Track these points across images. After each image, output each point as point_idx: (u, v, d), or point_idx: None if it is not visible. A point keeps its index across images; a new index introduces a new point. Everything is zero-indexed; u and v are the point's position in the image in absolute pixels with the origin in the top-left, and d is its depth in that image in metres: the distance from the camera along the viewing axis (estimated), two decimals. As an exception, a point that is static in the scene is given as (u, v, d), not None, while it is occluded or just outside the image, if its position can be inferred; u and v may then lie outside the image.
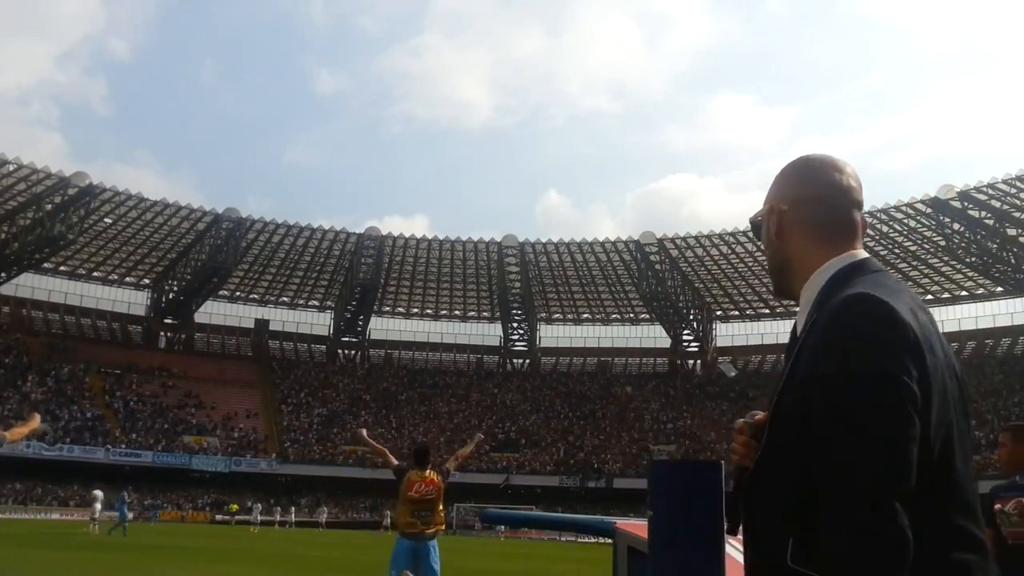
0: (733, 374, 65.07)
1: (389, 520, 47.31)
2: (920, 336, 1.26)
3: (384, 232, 63.04)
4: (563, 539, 41.43)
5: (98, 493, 33.71)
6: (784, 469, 1.32)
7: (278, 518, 46.93)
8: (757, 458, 1.40)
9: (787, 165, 1.58)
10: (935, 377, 1.26)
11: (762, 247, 1.63)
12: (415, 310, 71.13)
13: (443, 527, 7.99)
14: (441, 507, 7.83)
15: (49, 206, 53.61)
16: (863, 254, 1.46)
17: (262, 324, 68.45)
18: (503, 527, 44.12)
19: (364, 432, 9.03)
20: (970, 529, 1.28)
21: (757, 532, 1.40)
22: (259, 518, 42.04)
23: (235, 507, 46.81)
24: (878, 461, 1.17)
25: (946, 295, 60.93)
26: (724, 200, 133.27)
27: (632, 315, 69.30)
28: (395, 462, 8.08)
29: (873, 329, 1.24)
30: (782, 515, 1.31)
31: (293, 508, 48.07)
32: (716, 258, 62.09)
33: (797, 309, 1.51)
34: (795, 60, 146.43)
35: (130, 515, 32.95)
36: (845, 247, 1.46)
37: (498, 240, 63.01)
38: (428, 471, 7.82)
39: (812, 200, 1.49)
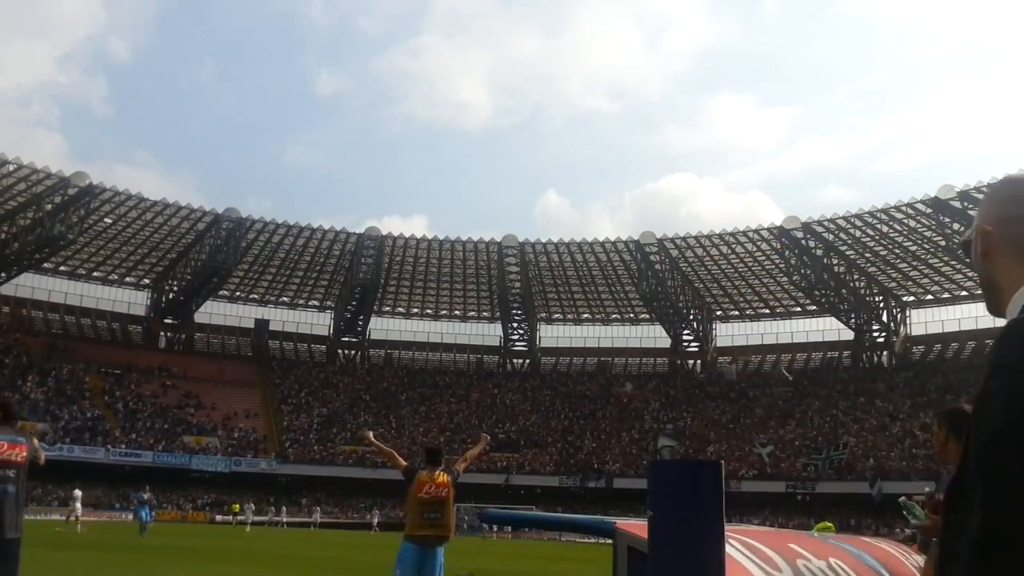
0: (733, 377, 65.08)
1: (376, 520, 47.29)
2: None
3: (383, 232, 63.08)
4: (563, 539, 41.42)
5: (77, 492, 33.33)
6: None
7: (269, 518, 46.70)
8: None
9: (995, 184, 1.53)
10: None
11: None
12: (415, 310, 71.13)
13: (452, 534, 7.68)
14: (452, 509, 7.61)
15: (49, 206, 53.61)
16: None
17: (262, 324, 68.43)
18: (494, 527, 44.23)
19: (371, 434, 8.83)
20: None
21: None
22: (252, 518, 41.95)
23: (237, 507, 46.78)
24: None
25: (946, 295, 60.90)
26: (723, 200, 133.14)
27: (632, 315, 69.28)
28: (403, 463, 7.92)
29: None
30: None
31: (285, 508, 47.89)
32: (716, 258, 62.07)
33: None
34: (794, 60, 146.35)
35: (152, 515, 31.32)
36: None
37: (498, 240, 63.01)
38: (439, 472, 7.63)
39: (1018, 220, 1.43)
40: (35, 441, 6.28)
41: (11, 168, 51.50)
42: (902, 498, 2.71)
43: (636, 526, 2.52)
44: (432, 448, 7.98)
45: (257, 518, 44.81)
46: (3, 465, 5.97)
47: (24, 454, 6.03)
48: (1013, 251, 1.41)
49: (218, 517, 48.96)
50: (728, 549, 1.68)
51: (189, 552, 20.86)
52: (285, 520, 46.42)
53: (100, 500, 47.50)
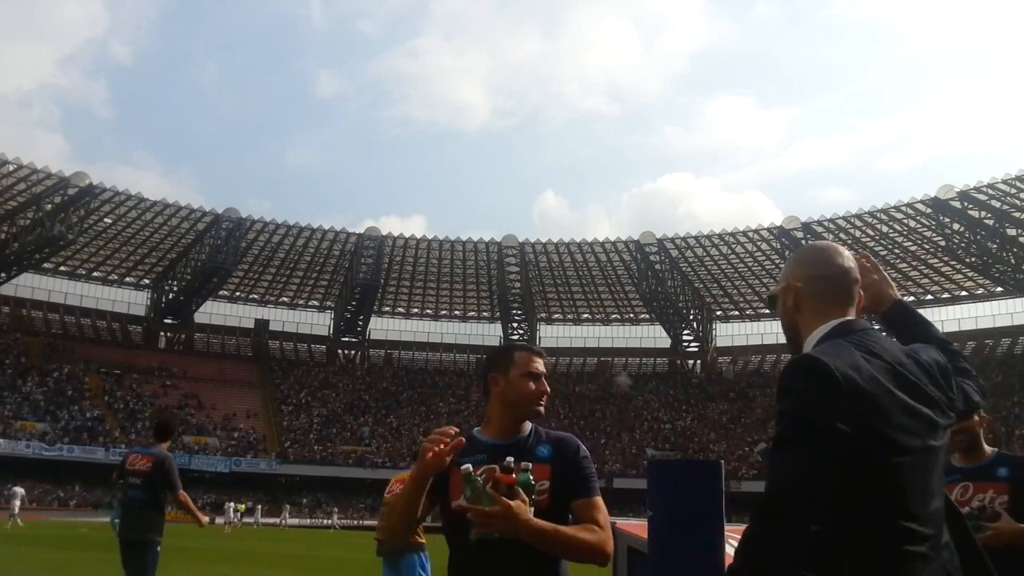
0: (731, 377, 65.10)
1: (335, 520, 46.19)
2: (853, 381, 1.62)
3: (381, 232, 63.08)
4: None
5: (18, 490, 33.51)
6: None
7: (281, 520, 46.65)
8: None
9: (801, 250, 2.01)
10: (864, 406, 1.61)
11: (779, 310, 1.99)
12: (415, 310, 71.13)
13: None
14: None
15: (49, 206, 53.60)
16: (848, 317, 1.85)
17: (262, 324, 68.43)
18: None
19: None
20: (904, 525, 1.62)
21: None
22: (232, 517, 41.69)
23: (243, 507, 46.65)
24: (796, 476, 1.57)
25: (946, 295, 60.91)
26: (721, 200, 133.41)
27: (632, 315, 69.28)
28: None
29: (811, 381, 1.62)
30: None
31: (259, 507, 47.43)
32: (716, 258, 62.08)
33: None
34: (793, 62, 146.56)
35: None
36: (839, 314, 1.84)
37: (498, 240, 63.02)
38: None
39: (818, 279, 1.87)
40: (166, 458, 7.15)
41: (11, 168, 51.48)
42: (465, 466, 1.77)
43: (636, 526, 2.54)
44: None
45: (267, 520, 44.69)
46: (132, 474, 6.96)
47: (150, 464, 6.93)
48: (815, 303, 1.86)
49: (218, 519, 48.86)
50: (728, 549, 1.68)
51: (190, 552, 20.85)
52: (260, 520, 45.91)
53: (100, 500, 47.50)
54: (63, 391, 53.96)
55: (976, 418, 3.69)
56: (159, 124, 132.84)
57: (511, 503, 2.20)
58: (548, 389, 2.59)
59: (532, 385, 2.56)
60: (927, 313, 52.61)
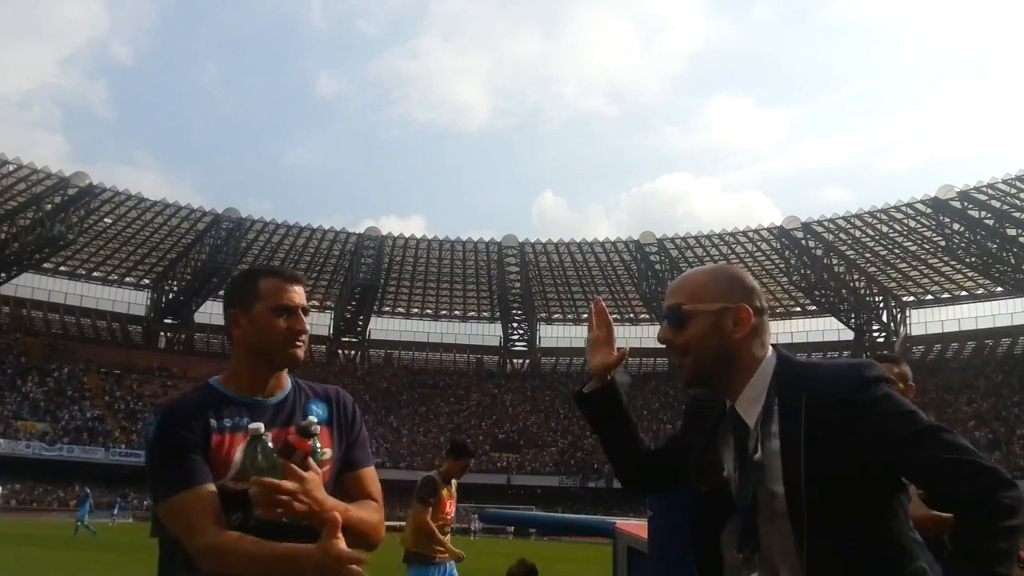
0: None
1: None
2: None
3: (381, 233, 63.10)
4: (563, 539, 41.37)
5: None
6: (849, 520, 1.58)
7: None
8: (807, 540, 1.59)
9: (727, 270, 1.82)
10: None
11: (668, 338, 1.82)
12: (415, 310, 71.12)
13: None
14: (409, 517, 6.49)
15: (49, 206, 53.59)
16: (772, 345, 1.75)
17: (262, 324, 68.34)
18: (476, 528, 44.21)
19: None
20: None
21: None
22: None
23: None
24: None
25: (946, 295, 60.90)
26: (720, 200, 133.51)
27: (632, 315, 69.27)
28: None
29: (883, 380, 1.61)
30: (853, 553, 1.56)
31: None
32: (716, 258, 62.03)
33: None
34: (792, 62, 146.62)
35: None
36: (768, 347, 1.72)
37: (498, 240, 63.02)
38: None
39: (761, 310, 1.73)
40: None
41: (11, 168, 51.48)
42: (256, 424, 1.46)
43: (636, 526, 2.52)
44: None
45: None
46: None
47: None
48: (760, 332, 1.73)
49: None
50: (728, 549, 1.68)
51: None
52: None
53: (100, 500, 47.45)
54: (63, 391, 53.94)
55: None
56: (159, 124, 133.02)
57: (310, 477, 1.75)
58: (306, 327, 2.02)
59: (283, 322, 1.98)
60: (927, 313, 52.43)
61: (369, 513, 1.95)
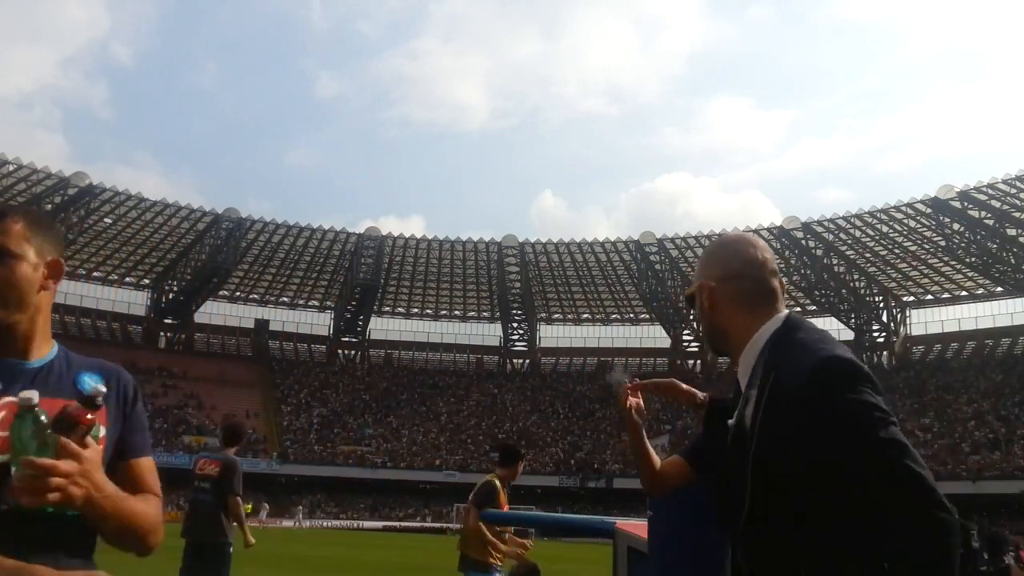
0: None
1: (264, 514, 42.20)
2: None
3: (381, 232, 63.09)
4: (563, 539, 41.36)
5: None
6: (787, 500, 1.57)
7: (295, 522, 46.29)
8: (749, 497, 1.61)
9: (710, 246, 1.91)
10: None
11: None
12: (415, 310, 71.11)
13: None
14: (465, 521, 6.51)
15: (49, 206, 53.52)
16: (784, 312, 1.75)
17: (262, 324, 68.40)
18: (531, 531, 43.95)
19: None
20: None
21: (762, 560, 1.62)
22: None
23: (249, 507, 46.32)
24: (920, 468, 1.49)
25: (946, 295, 60.89)
26: (719, 200, 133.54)
27: (632, 315, 69.27)
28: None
29: (859, 382, 1.56)
30: (793, 548, 1.55)
31: (265, 507, 46.43)
32: (716, 258, 62.04)
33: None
34: (791, 63, 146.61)
35: None
36: (770, 312, 1.74)
37: (498, 240, 63.02)
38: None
39: (734, 276, 1.77)
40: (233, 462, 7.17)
41: (11, 168, 51.48)
42: (29, 394, 1.51)
43: (636, 526, 2.52)
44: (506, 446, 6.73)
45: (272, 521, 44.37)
46: (201, 478, 7.04)
47: (218, 469, 6.98)
48: (737, 301, 1.76)
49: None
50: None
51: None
52: (300, 523, 45.36)
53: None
54: (63, 391, 53.89)
55: None
56: (159, 125, 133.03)
57: (90, 456, 1.47)
58: (20, 277, 1.62)
59: None
60: (927, 313, 52.41)
61: (151, 508, 1.68)
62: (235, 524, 7.01)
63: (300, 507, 42.83)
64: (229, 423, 8.03)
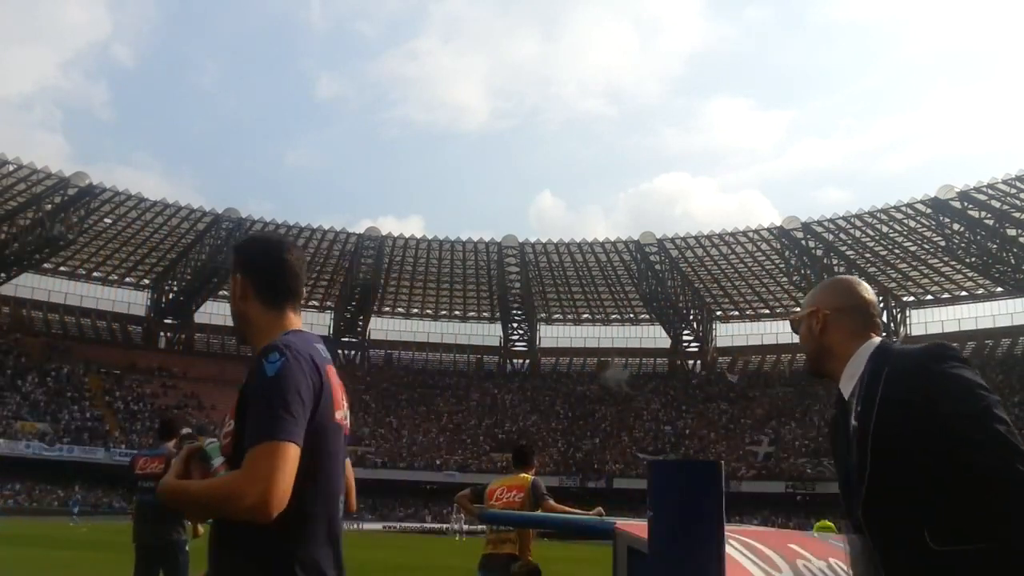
0: (735, 379, 65.08)
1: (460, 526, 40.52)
2: None
3: (381, 233, 63.08)
4: (559, 539, 41.28)
5: None
6: (910, 483, 1.82)
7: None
8: (867, 483, 1.88)
9: (827, 282, 2.26)
10: None
11: (799, 331, 2.24)
12: (415, 310, 71.11)
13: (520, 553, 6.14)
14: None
15: (49, 206, 53.58)
16: (882, 337, 2.09)
17: (262, 324, 68.31)
18: (461, 529, 44.06)
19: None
20: None
21: (888, 533, 1.85)
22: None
23: None
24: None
25: (946, 295, 60.89)
26: (718, 200, 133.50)
27: (632, 315, 69.26)
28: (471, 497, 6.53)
29: (963, 362, 1.87)
30: (915, 517, 1.79)
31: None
32: (716, 258, 62.06)
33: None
34: (790, 63, 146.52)
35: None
36: (868, 338, 2.08)
37: (498, 240, 63.02)
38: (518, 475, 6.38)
39: (848, 309, 2.12)
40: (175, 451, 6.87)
41: (11, 168, 51.47)
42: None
43: (636, 526, 2.51)
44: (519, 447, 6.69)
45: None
46: (143, 478, 6.72)
47: (162, 466, 6.62)
48: (847, 328, 2.10)
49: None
50: (728, 549, 1.68)
51: (190, 552, 20.81)
52: None
53: (100, 500, 47.48)
54: (63, 391, 53.95)
55: None
56: (160, 125, 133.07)
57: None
58: None
59: None
60: (927, 313, 52.44)
61: (211, 484, 1.96)
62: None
63: None
64: (165, 416, 7.77)
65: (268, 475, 1.78)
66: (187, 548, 6.70)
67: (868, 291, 2.17)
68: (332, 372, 2.03)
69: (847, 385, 2.03)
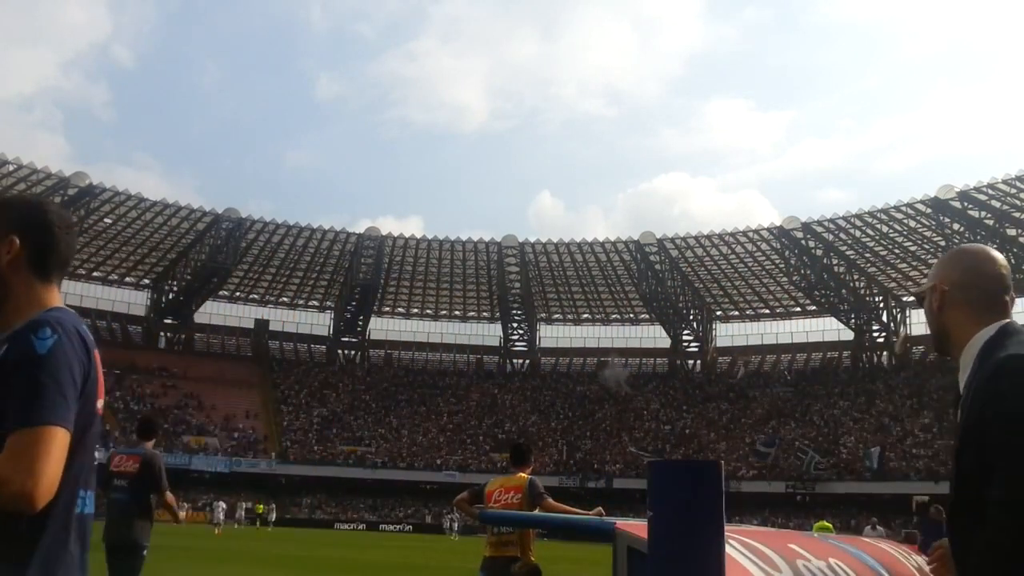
0: (740, 371, 65.14)
1: (221, 514, 39.99)
2: None
3: (381, 233, 63.07)
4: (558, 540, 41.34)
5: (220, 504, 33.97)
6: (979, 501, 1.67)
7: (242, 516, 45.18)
8: (951, 495, 1.77)
9: (951, 252, 1.99)
10: None
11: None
12: (415, 310, 71.11)
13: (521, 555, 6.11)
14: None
15: (49, 206, 53.51)
16: (1005, 320, 1.85)
17: (262, 324, 68.41)
18: (455, 529, 44.34)
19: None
20: None
21: (964, 546, 1.72)
22: (222, 518, 39.78)
23: (261, 507, 46.14)
24: None
25: (946, 295, 60.86)
26: (717, 200, 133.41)
27: (632, 315, 69.26)
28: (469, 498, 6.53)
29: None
30: (967, 525, 1.68)
31: (221, 505, 44.15)
32: (716, 258, 62.05)
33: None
34: (790, 64, 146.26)
35: None
36: (994, 320, 1.84)
37: (498, 240, 63.01)
38: (516, 474, 6.35)
39: (969, 286, 1.87)
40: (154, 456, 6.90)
41: (11, 168, 51.48)
42: None
43: (636, 526, 2.51)
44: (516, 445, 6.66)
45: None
46: (118, 476, 6.61)
47: (137, 465, 6.61)
48: (964, 308, 1.88)
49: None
50: (728, 549, 1.68)
51: (191, 552, 20.86)
52: (222, 519, 40.65)
53: (100, 501, 47.23)
54: (63, 391, 53.85)
55: None
56: (160, 126, 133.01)
57: None
58: None
59: None
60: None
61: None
62: (169, 512, 6.94)
63: (220, 504, 41.17)
64: (144, 415, 7.65)
65: (36, 463, 1.61)
66: (145, 554, 6.61)
67: (997, 263, 1.89)
68: (98, 357, 1.86)
69: (963, 377, 1.86)
